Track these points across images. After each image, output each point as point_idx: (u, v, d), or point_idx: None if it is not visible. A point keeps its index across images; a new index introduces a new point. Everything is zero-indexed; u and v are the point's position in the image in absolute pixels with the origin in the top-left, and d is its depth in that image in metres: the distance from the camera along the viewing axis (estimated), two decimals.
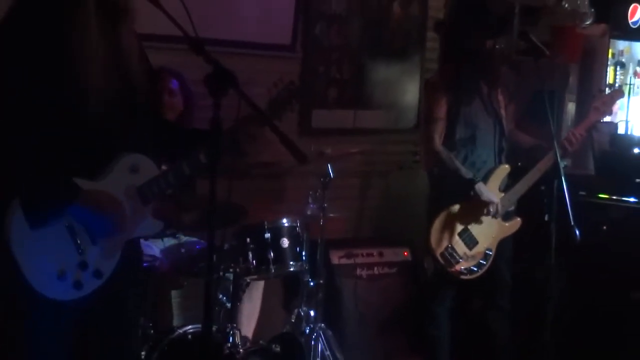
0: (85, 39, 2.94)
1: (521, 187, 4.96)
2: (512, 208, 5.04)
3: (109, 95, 3.00)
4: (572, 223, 4.34)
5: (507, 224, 5.03)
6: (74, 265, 2.99)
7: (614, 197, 5.99)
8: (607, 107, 5.13)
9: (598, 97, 5.24)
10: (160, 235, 4.66)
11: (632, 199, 5.92)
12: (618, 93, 5.37)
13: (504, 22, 5.12)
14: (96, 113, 2.96)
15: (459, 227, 4.90)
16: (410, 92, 6.71)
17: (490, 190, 4.91)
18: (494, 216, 4.89)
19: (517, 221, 5.05)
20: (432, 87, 5.06)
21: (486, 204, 4.85)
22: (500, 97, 5.08)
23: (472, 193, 4.84)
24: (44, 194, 2.90)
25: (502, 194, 4.96)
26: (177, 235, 4.83)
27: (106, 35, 3.01)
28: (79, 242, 3.00)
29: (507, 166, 5.02)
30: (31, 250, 2.91)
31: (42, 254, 2.93)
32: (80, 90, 2.93)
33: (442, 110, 4.91)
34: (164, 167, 3.34)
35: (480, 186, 4.84)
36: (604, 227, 5.86)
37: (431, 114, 4.97)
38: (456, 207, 4.89)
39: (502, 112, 5.07)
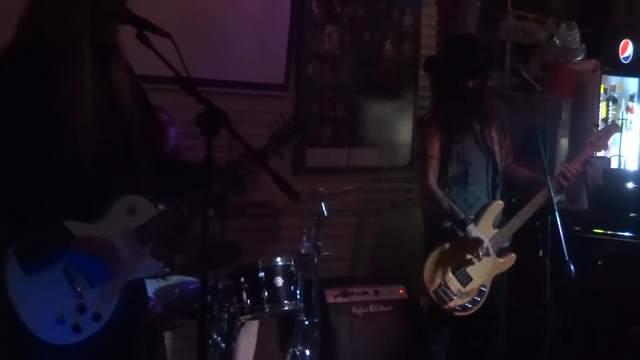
0: (77, 85, 2.94)
1: (515, 223, 4.96)
2: (506, 244, 5.03)
3: (101, 137, 2.99)
4: (567, 258, 4.34)
5: (501, 260, 5.02)
6: (72, 309, 2.96)
7: (609, 232, 5.99)
8: (603, 141, 5.14)
9: (593, 132, 5.25)
10: (152, 276, 4.64)
11: (626, 234, 5.93)
12: (613, 127, 5.39)
13: (493, 61, 5.13)
14: (88, 156, 2.95)
15: (453, 264, 4.89)
16: (404, 130, 6.73)
17: (484, 227, 4.91)
18: (485, 256, 4.87)
19: (512, 257, 5.04)
20: (425, 125, 5.07)
21: (476, 245, 4.84)
22: (494, 134, 5.09)
23: (462, 234, 4.84)
24: (36, 240, 2.89)
25: (496, 231, 4.96)
26: (167, 278, 4.80)
27: (98, 76, 3.02)
28: (76, 285, 2.97)
29: (500, 202, 5.02)
30: (28, 295, 2.88)
31: (39, 299, 2.90)
32: (69, 134, 2.92)
33: (435, 148, 4.93)
34: (161, 207, 3.32)
35: (470, 228, 4.84)
36: (599, 262, 5.86)
37: (424, 152, 4.98)
38: (450, 244, 4.88)
39: (496, 148, 5.07)
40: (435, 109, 5.14)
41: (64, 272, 2.95)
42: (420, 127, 5.19)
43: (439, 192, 4.89)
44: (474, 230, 4.84)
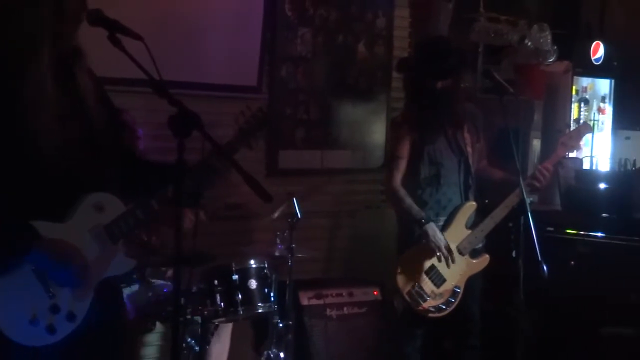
0: (37, 88, 2.92)
1: (488, 224, 4.96)
2: (479, 245, 5.05)
3: (66, 139, 2.97)
4: (540, 259, 4.35)
5: (475, 261, 5.03)
6: (45, 310, 2.93)
7: (581, 232, 6.02)
8: (575, 141, 5.16)
9: (565, 132, 5.27)
10: (126, 282, 4.62)
11: (599, 234, 5.96)
12: (585, 128, 5.41)
13: (465, 63, 5.15)
14: (52, 157, 2.93)
15: (426, 265, 4.89)
16: (377, 132, 6.74)
17: (456, 228, 4.93)
18: (461, 254, 4.88)
19: (486, 258, 5.05)
20: (397, 126, 5.10)
21: (434, 246, 4.85)
22: (467, 135, 5.09)
23: (420, 234, 4.85)
24: (1, 240, 2.87)
25: (469, 232, 4.97)
26: (143, 281, 4.78)
27: (60, 79, 3.00)
28: (48, 285, 2.95)
29: (473, 203, 5.03)
30: (0, 297, 2.86)
31: (11, 300, 2.87)
32: (31, 137, 2.90)
33: (404, 149, 4.94)
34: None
35: (428, 227, 4.85)
36: (572, 262, 5.89)
37: (393, 152, 5.02)
38: (423, 245, 4.88)
39: (469, 149, 5.08)
40: (407, 110, 5.15)
41: (35, 273, 2.92)
42: (393, 128, 5.22)
43: (400, 192, 4.91)
44: (431, 230, 4.84)
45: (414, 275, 4.87)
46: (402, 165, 4.94)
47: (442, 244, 4.84)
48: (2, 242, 2.87)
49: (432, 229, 4.85)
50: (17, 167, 2.90)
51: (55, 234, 2.95)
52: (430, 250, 4.86)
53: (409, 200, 4.90)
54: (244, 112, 3.34)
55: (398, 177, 4.94)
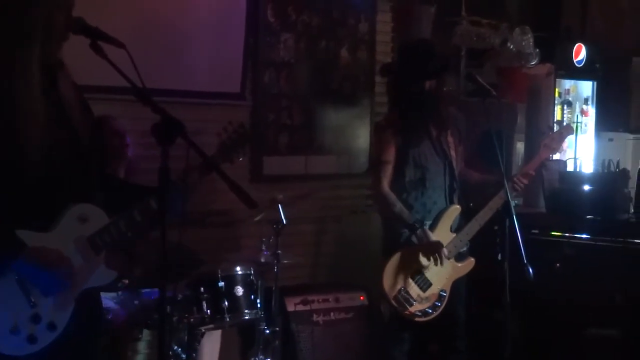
0: (26, 96, 2.92)
1: (473, 226, 4.97)
2: (464, 249, 5.05)
3: (52, 147, 2.97)
4: (525, 261, 4.35)
5: (460, 265, 5.03)
6: (26, 319, 2.92)
7: (566, 235, 6.03)
8: (557, 144, 5.17)
9: (547, 135, 5.29)
10: (115, 289, 4.61)
11: (584, 236, 5.97)
12: (567, 130, 5.42)
13: (448, 65, 5.16)
14: (38, 164, 2.93)
15: (412, 270, 4.89)
16: (361, 137, 6.75)
17: (442, 232, 4.93)
18: (441, 260, 4.88)
19: (471, 261, 5.06)
20: (381, 130, 5.09)
21: (432, 249, 4.84)
22: (451, 139, 5.10)
23: (413, 239, 4.85)
24: None
25: (454, 235, 4.97)
26: (131, 289, 4.77)
27: (46, 89, 2.99)
28: (30, 295, 2.94)
29: (458, 207, 5.04)
30: None
31: None
32: (19, 142, 2.89)
33: (390, 153, 4.94)
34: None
35: (420, 232, 4.85)
36: (557, 265, 5.90)
37: (379, 157, 5.00)
38: (408, 250, 4.88)
39: (453, 153, 5.09)
40: (391, 114, 5.15)
41: (17, 282, 2.91)
42: (377, 132, 5.19)
43: (390, 197, 4.90)
44: (424, 234, 4.85)
45: (400, 280, 4.87)
46: (389, 169, 4.94)
47: (438, 246, 4.84)
48: None
49: (426, 232, 4.85)
50: (3, 172, 2.90)
51: (40, 243, 2.94)
52: (416, 254, 4.86)
53: (399, 205, 4.89)
54: (227, 127, 3.36)
55: (386, 182, 4.93)
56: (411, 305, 4.88)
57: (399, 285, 4.86)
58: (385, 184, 4.93)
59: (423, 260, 4.86)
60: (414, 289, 4.88)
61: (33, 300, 2.94)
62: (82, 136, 3.09)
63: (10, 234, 2.88)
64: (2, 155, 2.89)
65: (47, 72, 3.01)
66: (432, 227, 4.94)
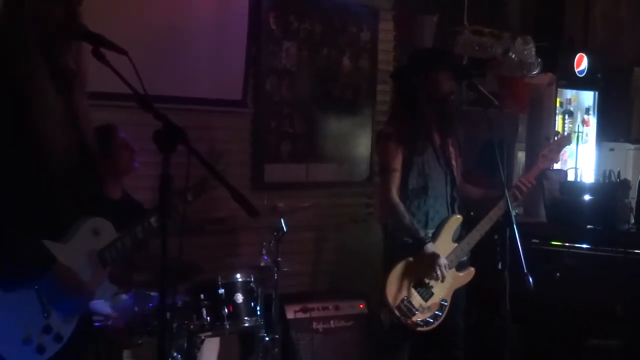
0: (42, 98, 2.92)
1: (474, 236, 4.97)
2: (465, 258, 5.05)
3: (68, 154, 2.98)
4: (525, 271, 4.35)
5: (461, 274, 5.03)
6: (39, 329, 2.94)
7: (567, 244, 6.03)
8: (555, 154, 5.18)
9: (545, 145, 5.29)
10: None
11: (584, 245, 5.97)
12: (565, 140, 5.43)
13: (467, 70, 5.17)
14: (57, 171, 2.94)
15: (415, 279, 4.88)
16: (362, 145, 6.75)
17: (443, 242, 4.93)
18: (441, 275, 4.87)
19: (471, 271, 5.05)
20: (387, 138, 5.02)
21: (433, 263, 4.83)
22: (452, 149, 5.10)
23: (420, 252, 4.84)
24: (16, 260, 2.87)
25: (455, 245, 4.97)
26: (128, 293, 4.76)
27: (61, 95, 3.00)
28: (46, 305, 2.95)
29: (459, 216, 5.03)
30: None
31: (8, 318, 2.87)
32: (41, 149, 2.91)
33: (398, 161, 4.92)
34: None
35: (429, 247, 4.84)
36: (557, 274, 5.90)
37: (387, 165, 4.96)
38: (411, 260, 4.87)
39: (454, 162, 5.09)
40: (397, 121, 5.09)
41: (36, 292, 2.92)
42: (382, 140, 5.13)
43: (401, 207, 4.88)
44: (431, 249, 4.84)
45: (402, 290, 4.85)
46: (398, 177, 4.91)
47: (442, 261, 4.84)
48: (19, 261, 2.87)
49: (433, 247, 4.85)
50: (24, 177, 2.90)
51: (62, 257, 2.96)
52: (419, 264, 4.85)
53: (409, 217, 4.87)
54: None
55: (395, 190, 4.91)
56: (414, 315, 4.87)
57: (402, 295, 4.85)
58: (395, 193, 4.90)
59: (428, 271, 4.85)
60: (416, 299, 4.87)
61: (47, 311, 2.96)
62: (91, 148, 3.11)
63: (41, 246, 2.90)
64: (23, 157, 2.90)
65: (60, 76, 3.01)
66: (434, 237, 4.93)
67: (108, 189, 4.43)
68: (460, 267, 5.01)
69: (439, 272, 4.82)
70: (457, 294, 5.04)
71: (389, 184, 4.93)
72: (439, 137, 5.04)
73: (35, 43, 2.94)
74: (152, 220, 3.16)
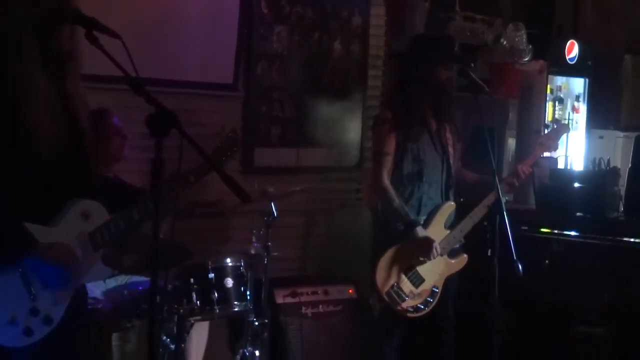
0: (27, 82, 2.91)
1: (467, 223, 4.97)
2: (458, 245, 5.05)
3: (56, 137, 2.97)
4: (515, 258, 4.37)
5: (453, 261, 5.03)
6: (25, 312, 2.94)
7: (556, 232, 6.04)
8: (553, 142, 5.19)
9: (542, 133, 5.29)
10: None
11: (573, 233, 5.98)
12: (563, 128, 5.45)
13: (465, 58, 5.17)
14: (44, 154, 2.94)
15: (405, 265, 4.89)
16: (353, 130, 6.74)
17: (436, 228, 4.93)
18: (433, 257, 4.88)
19: (464, 258, 5.06)
20: (381, 122, 5.02)
21: (426, 246, 4.84)
22: (449, 135, 5.09)
23: (401, 233, 4.84)
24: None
25: (448, 232, 4.97)
26: (117, 277, 4.76)
27: (52, 79, 2.99)
28: (31, 288, 2.95)
29: (452, 203, 5.04)
30: None
31: None
32: (27, 132, 2.90)
33: (391, 145, 4.92)
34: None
35: (419, 230, 4.84)
36: (546, 261, 5.91)
37: (380, 149, 4.97)
38: (402, 246, 4.87)
39: (450, 149, 5.08)
40: (392, 106, 5.08)
41: (20, 275, 2.92)
42: (376, 124, 5.12)
43: (391, 191, 4.88)
44: (421, 232, 4.85)
45: (392, 276, 4.86)
46: (390, 162, 4.91)
47: (435, 244, 4.84)
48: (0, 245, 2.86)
49: (423, 230, 4.85)
50: (9, 162, 2.90)
51: (47, 239, 2.95)
52: (410, 250, 4.86)
53: (399, 201, 4.88)
54: (219, 132, 3.41)
55: (386, 174, 4.92)
56: (403, 301, 4.88)
57: (392, 281, 4.86)
58: (386, 177, 4.90)
59: (418, 256, 4.86)
60: (406, 285, 4.88)
61: (34, 292, 2.95)
62: (84, 131, 3.10)
63: (23, 229, 2.89)
64: (8, 143, 2.88)
65: (53, 59, 3.00)
66: (427, 224, 4.94)
67: (99, 173, 4.42)
68: (452, 254, 5.02)
69: (431, 253, 4.81)
70: (449, 281, 5.05)
71: (380, 168, 4.93)
72: (435, 123, 5.04)
73: (25, 26, 2.93)
74: (149, 202, 3.14)
